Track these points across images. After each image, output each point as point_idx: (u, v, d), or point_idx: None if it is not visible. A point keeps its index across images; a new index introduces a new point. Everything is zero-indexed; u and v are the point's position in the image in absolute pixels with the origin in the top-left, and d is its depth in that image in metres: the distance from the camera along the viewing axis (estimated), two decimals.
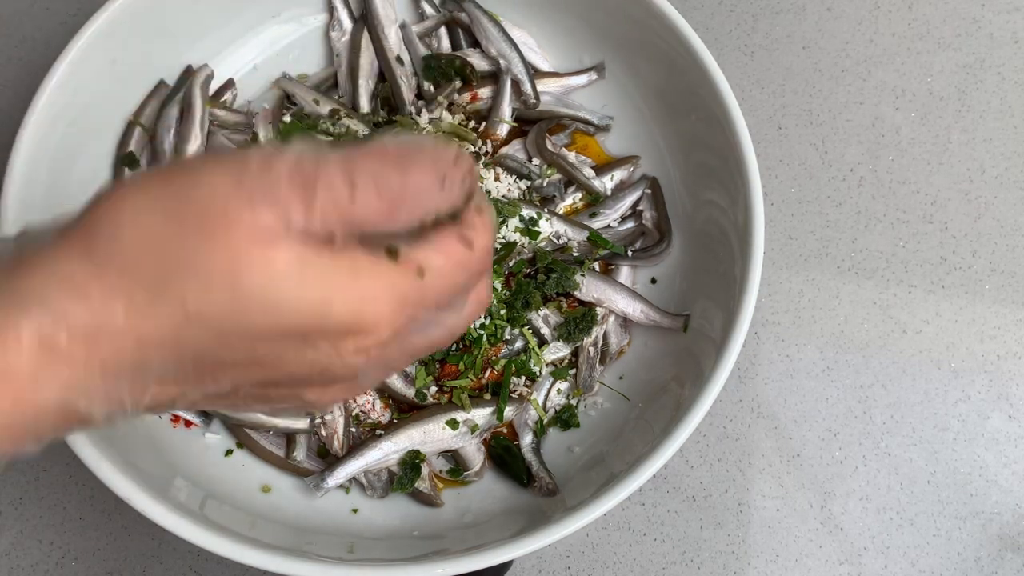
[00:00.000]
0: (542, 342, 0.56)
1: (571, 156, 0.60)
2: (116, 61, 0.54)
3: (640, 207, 0.59)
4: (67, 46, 0.51)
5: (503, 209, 0.55)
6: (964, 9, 0.70)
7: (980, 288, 0.63)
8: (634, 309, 0.56)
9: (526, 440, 0.54)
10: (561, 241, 0.57)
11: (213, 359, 0.26)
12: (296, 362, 0.27)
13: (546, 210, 0.57)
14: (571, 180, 0.59)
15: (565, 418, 0.55)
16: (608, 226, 0.59)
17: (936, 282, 0.63)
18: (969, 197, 0.65)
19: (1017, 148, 0.66)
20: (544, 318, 0.56)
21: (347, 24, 0.61)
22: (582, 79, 0.61)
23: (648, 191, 0.59)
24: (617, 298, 0.56)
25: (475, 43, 0.62)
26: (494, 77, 0.61)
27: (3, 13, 0.68)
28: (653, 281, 0.59)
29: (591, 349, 0.56)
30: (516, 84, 0.60)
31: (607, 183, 0.60)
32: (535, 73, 0.61)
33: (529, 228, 0.56)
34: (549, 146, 0.59)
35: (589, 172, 0.60)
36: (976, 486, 0.59)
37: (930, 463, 0.59)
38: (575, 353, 0.56)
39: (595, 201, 0.59)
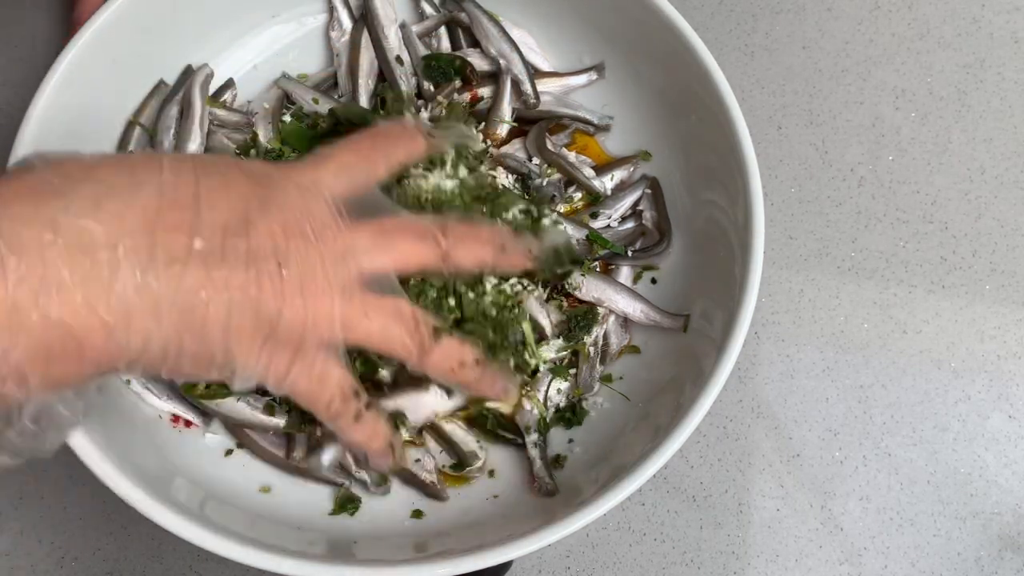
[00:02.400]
0: (542, 337, 0.55)
1: (571, 156, 0.60)
2: (116, 61, 0.54)
3: (640, 207, 0.59)
4: (67, 46, 0.51)
5: (501, 196, 0.54)
6: (964, 9, 0.70)
7: (980, 288, 0.63)
8: (634, 309, 0.56)
9: (530, 438, 0.54)
10: None
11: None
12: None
13: (545, 208, 0.57)
14: (571, 180, 0.59)
15: (568, 417, 0.55)
16: (608, 226, 0.59)
17: (936, 282, 0.63)
18: (969, 197, 0.65)
19: (1017, 148, 0.66)
20: (546, 312, 0.55)
21: (347, 24, 0.61)
22: (582, 79, 0.61)
23: (648, 191, 0.59)
24: (617, 298, 0.56)
25: (475, 43, 0.62)
26: (494, 77, 0.61)
27: (2, 12, 0.68)
28: (653, 281, 0.59)
29: (591, 349, 0.56)
30: (516, 84, 0.60)
31: (607, 183, 0.60)
32: (535, 73, 0.61)
33: (532, 218, 0.55)
34: (549, 146, 0.59)
35: (589, 172, 0.60)
36: (976, 486, 0.59)
37: (930, 463, 0.59)
38: (575, 353, 0.56)
39: (595, 201, 0.59)
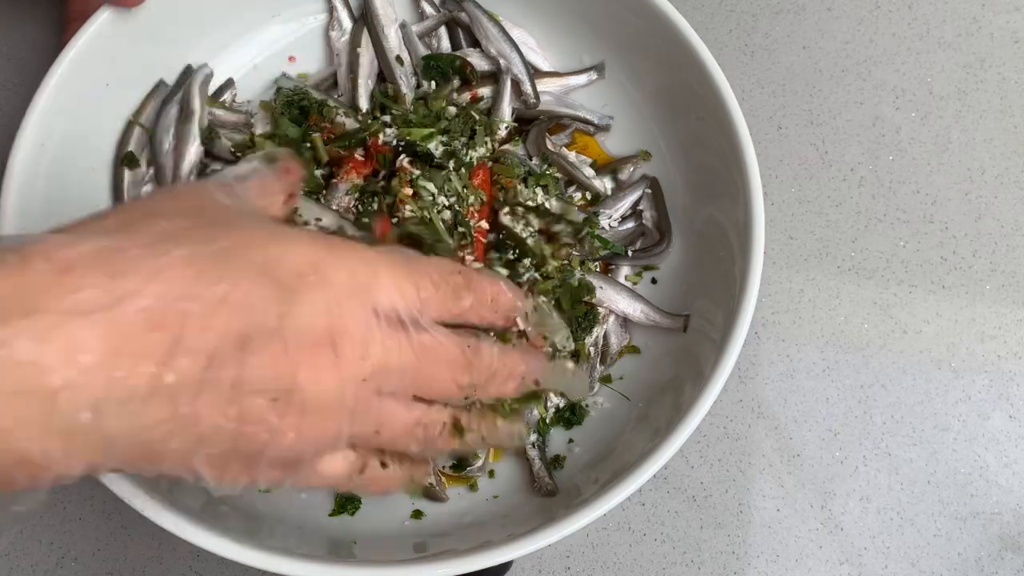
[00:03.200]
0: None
1: (571, 156, 0.60)
2: (116, 61, 0.54)
3: (640, 207, 0.59)
4: (67, 45, 0.51)
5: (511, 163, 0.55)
6: (964, 9, 0.70)
7: (980, 288, 0.63)
8: (634, 309, 0.56)
9: (529, 439, 0.54)
10: None
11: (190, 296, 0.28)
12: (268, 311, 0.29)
13: (544, 194, 0.57)
14: (571, 180, 0.59)
15: (568, 417, 0.55)
16: (608, 226, 0.59)
17: (936, 282, 0.63)
18: (969, 197, 0.65)
19: (1017, 148, 0.66)
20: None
21: (347, 24, 0.61)
22: (582, 79, 0.61)
23: (648, 191, 0.59)
24: (617, 298, 0.56)
25: (475, 43, 0.62)
26: (494, 77, 0.61)
27: (2, 11, 0.68)
28: (653, 281, 0.59)
29: (591, 349, 0.56)
30: (516, 84, 0.60)
31: (607, 183, 0.60)
32: (535, 73, 0.61)
33: (537, 175, 0.56)
34: (549, 146, 0.59)
35: (589, 172, 0.60)
36: (976, 486, 0.59)
37: (930, 463, 0.59)
38: (575, 353, 0.56)
39: (595, 201, 0.59)
